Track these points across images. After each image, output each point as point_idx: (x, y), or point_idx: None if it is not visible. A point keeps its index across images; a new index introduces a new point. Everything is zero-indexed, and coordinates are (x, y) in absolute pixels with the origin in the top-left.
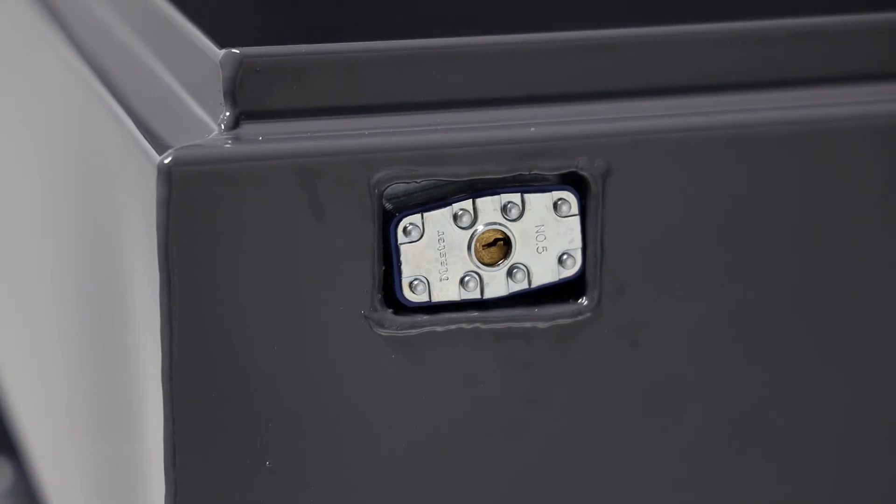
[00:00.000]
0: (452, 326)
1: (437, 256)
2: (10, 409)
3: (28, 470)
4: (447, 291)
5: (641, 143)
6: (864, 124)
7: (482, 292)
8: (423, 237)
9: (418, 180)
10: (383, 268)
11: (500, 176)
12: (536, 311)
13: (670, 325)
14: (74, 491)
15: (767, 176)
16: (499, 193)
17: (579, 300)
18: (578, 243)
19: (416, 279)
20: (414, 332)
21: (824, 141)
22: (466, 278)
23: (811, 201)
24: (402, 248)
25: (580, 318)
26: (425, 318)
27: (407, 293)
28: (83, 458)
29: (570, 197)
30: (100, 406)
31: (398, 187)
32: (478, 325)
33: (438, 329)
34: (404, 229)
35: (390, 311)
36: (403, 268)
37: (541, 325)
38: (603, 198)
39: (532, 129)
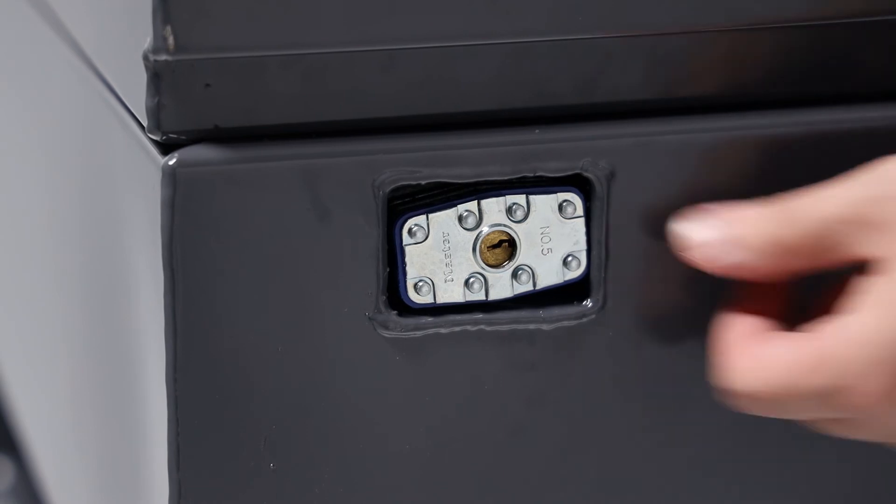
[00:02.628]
0: (457, 328)
1: (442, 258)
2: (12, 407)
3: (29, 469)
4: (452, 293)
5: (645, 144)
6: (863, 126)
7: (487, 294)
8: (428, 238)
9: (422, 182)
10: (388, 269)
11: (505, 178)
12: (541, 312)
13: (674, 327)
14: (76, 490)
15: (770, 178)
16: (504, 195)
17: (584, 302)
18: (583, 245)
19: (420, 280)
20: (418, 333)
21: (826, 143)
22: (471, 280)
23: None
24: (407, 250)
25: (584, 320)
26: (430, 319)
27: (412, 294)
28: (85, 458)
29: (575, 199)
30: (103, 406)
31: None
32: (482, 326)
33: (443, 331)
34: (409, 230)
35: (395, 312)
36: (408, 269)
37: (545, 326)
38: (608, 200)
39: (536, 130)
